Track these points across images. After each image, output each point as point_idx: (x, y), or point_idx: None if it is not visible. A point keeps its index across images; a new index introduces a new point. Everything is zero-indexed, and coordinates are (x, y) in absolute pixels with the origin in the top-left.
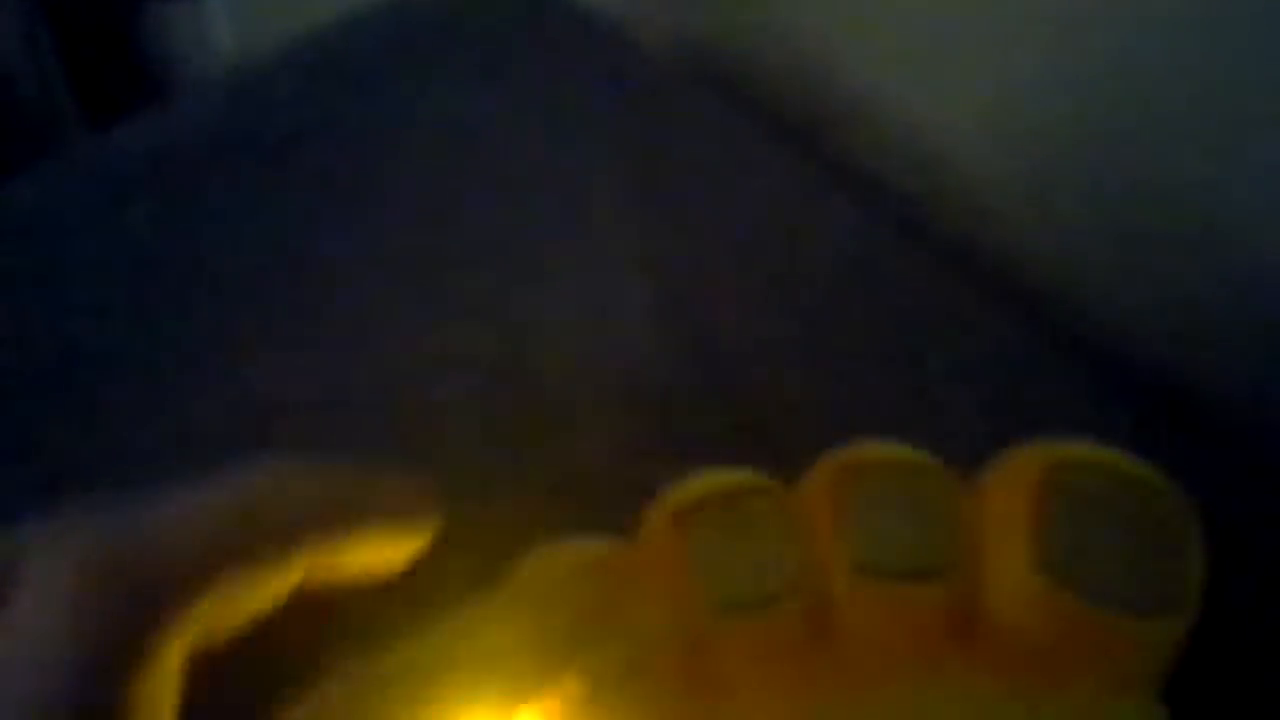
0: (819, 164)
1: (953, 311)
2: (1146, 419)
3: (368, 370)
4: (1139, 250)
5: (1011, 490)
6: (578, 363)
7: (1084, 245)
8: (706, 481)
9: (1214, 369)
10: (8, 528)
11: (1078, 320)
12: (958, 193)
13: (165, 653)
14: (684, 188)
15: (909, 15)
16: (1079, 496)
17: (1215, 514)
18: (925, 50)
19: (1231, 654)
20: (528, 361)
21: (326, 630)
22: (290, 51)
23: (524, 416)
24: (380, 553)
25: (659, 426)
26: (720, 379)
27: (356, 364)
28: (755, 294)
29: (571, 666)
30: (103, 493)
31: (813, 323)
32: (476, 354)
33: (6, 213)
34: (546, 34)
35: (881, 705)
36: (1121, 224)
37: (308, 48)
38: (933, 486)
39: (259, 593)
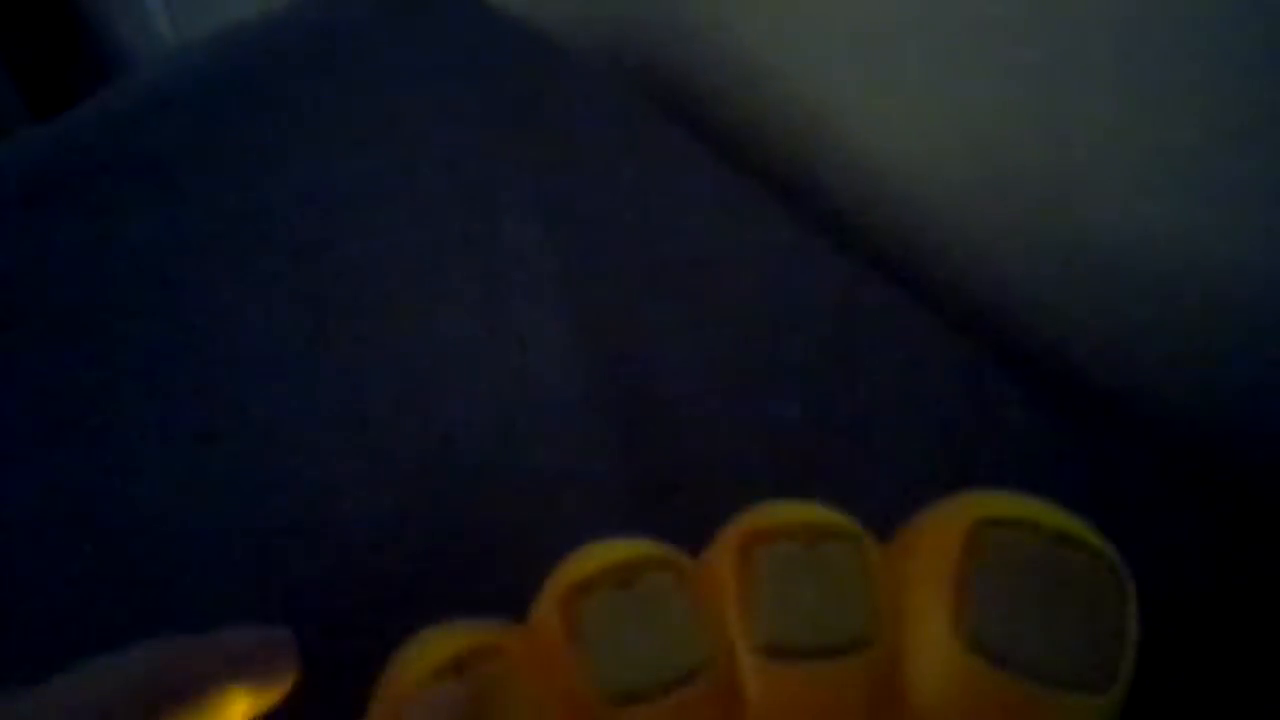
0: (752, 178)
1: (898, 339)
2: (1105, 450)
3: (247, 408)
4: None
5: (933, 550)
6: (478, 400)
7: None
8: (600, 554)
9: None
10: None
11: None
12: (894, 200)
13: None
14: (604, 203)
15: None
16: (1005, 556)
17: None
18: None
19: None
20: (420, 400)
21: None
22: (188, 62)
23: (415, 477)
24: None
25: (562, 484)
26: (634, 426)
27: (233, 398)
28: (677, 325)
29: None
30: None
31: (742, 360)
32: (365, 399)
33: None
34: (466, 40)
35: None
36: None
37: (209, 57)
38: (846, 551)
39: None
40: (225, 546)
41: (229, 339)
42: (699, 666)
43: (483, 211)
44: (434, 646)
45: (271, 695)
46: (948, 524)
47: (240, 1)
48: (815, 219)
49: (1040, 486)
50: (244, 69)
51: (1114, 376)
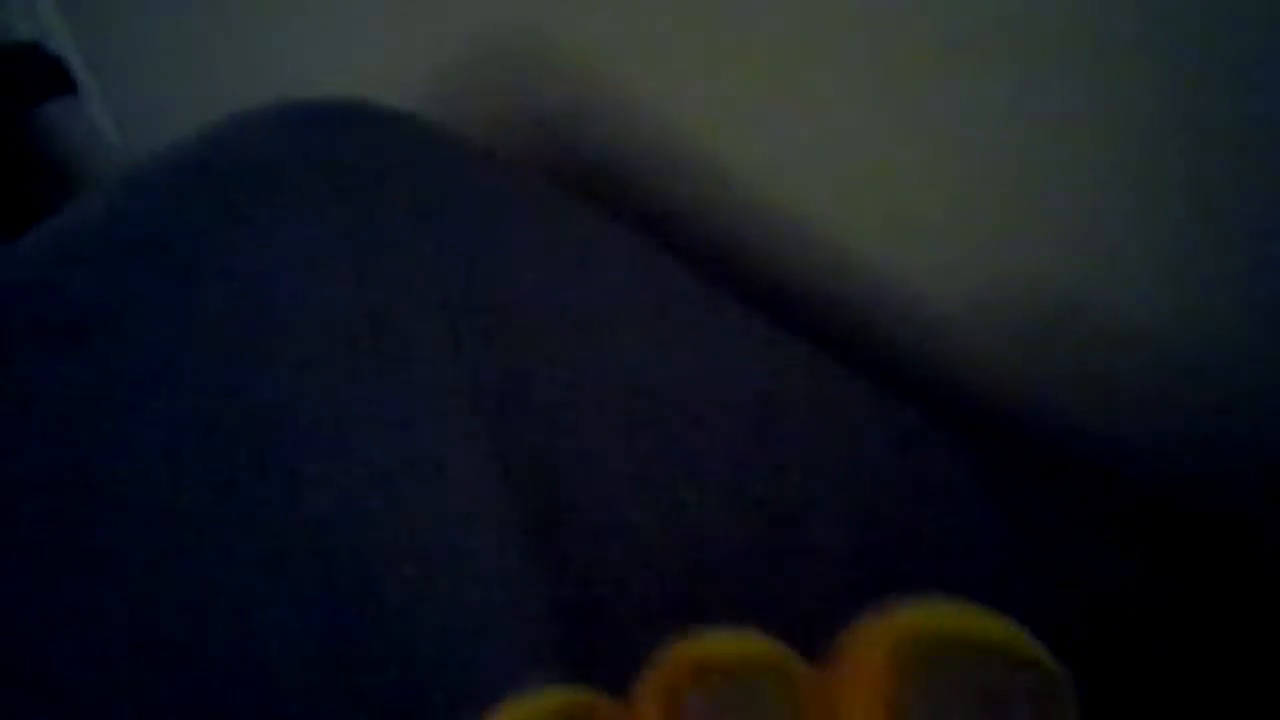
0: (689, 263)
1: (832, 420)
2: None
3: (158, 562)
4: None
5: (863, 676)
6: (398, 545)
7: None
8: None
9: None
10: None
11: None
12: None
13: None
14: (515, 311)
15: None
16: (941, 679)
17: None
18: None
19: None
20: (331, 543)
21: None
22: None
23: (335, 621)
24: None
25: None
26: (556, 542)
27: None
28: (604, 436)
29: None
30: None
31: (666, 458)
32: (282, 550)
33: None
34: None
35: None
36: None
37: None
38: (777, 687)
39: None
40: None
41: (134, 497)
42: None
43: (390, 333)
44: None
45: None
46: (876, 644)
47: (183, 110)
48: (754, 295)
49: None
50: (148, 217)
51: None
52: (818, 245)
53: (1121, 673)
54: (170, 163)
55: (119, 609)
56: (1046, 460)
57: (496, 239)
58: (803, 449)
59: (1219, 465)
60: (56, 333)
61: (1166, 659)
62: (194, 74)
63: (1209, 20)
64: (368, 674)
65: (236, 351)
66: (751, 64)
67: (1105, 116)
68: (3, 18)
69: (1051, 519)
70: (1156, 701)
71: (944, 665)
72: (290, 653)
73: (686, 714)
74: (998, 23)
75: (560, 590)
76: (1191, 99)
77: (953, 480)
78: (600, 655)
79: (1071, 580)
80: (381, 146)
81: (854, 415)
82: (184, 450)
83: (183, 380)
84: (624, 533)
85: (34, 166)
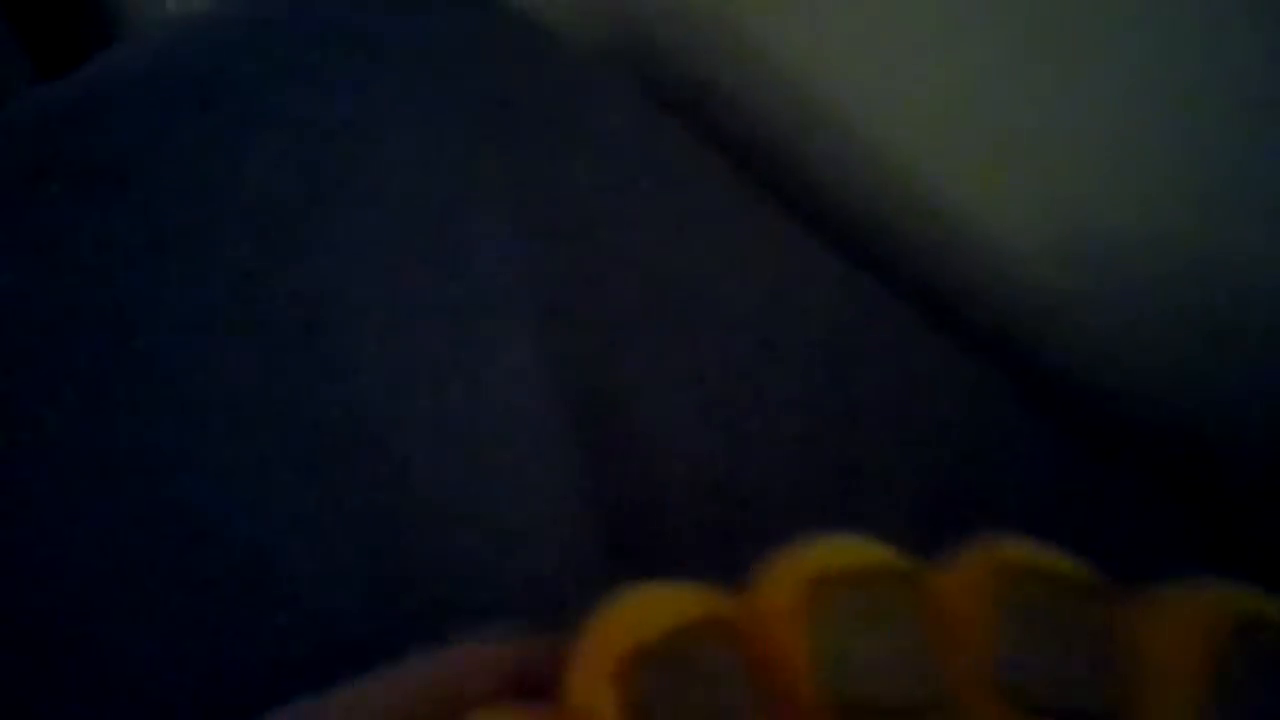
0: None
1: (902, 362)
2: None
3: (189, 448)
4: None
5: (1188, 638)
6: (442, 438)
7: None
8: (844, 550)
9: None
10: None
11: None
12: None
13: None
14: (591, 208)
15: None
16: (1260, 660)
17: None
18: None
19: None
20: (375, 430)
21: None
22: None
23: (370, 514)
24: None
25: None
26: (610, 455)
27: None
28: (662, 347)
29: None
30: None
31: (730, 387)
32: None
33: None
34: (454, 33)
35: None
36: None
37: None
38: (1098, 611)
39: None
40: (164, 592)
41: (171, 371)
42: (937, 697)
43: (456, 221)
44: (647, 612)
45: None
46: (1199, 611)
47: None
48: (823, 223)
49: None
50: (195, 66)
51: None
52: (893, 176)
53: None
54: (221, 15)
55: (139, 470)
56: (1124, 426)
57: (577, 134)
58: (880, 400)
59: None
60: (96, 177)
61: None
62: None
63: None
64: (400, 577)
65: (285, 218)
66: None
67: None
68: None
69: (1127, 488)
70: None
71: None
72: (319, 540)
73: (1000, 612)
74: None
75: (610, 502)
76: None
77: (1023, 442)
78: (644, 567)
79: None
80: (459, 19)
81: (929, 366)
82: (223, 320)
83: (223, 244)
84: (685, 455)
85: (84, 15)
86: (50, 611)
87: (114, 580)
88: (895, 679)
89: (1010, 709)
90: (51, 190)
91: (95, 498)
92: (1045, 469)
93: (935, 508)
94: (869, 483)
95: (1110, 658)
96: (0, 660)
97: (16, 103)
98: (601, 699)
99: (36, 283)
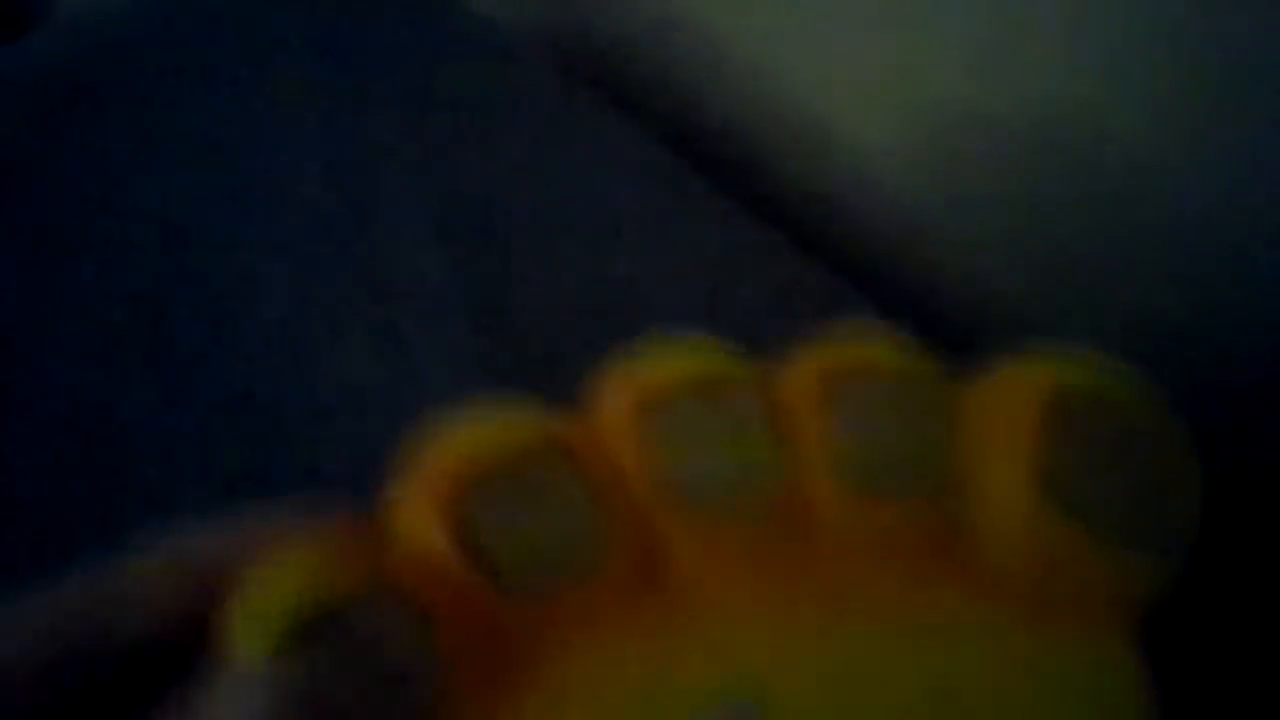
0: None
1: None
2: None
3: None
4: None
5: (1013, 406)
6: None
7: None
8: (674, 360)
9: None
10: None
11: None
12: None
13: None
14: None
15: None
16: (1081, 420)
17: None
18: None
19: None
20: None
21: None
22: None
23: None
24: None
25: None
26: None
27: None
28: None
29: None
30: None
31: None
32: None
33: None
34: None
35: (854, 625)
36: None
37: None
38: (927, 392)
39: None
40: None
41: None
42: (774, 480)
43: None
44: (478, 437)
45: None
46: (1026, 382)
47: None
48: (753, 195)
49: None
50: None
51: None
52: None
53: None
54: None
55: None
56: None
57: (497, 131)
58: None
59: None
60: None
61: None
62: None
63: None
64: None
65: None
66: None
67: None
68: None
69: None
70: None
71: (1085, 411)
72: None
73: (836, 405)
74: None
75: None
76: None
77: None
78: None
79: None
80: (379, 10)
81: (808, 298)
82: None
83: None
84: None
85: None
86: None
87: None
88: (735, 482)
89: (853, 497)
90: None
91: None
92: None
93: None
94: None
95: (940, 439)
96: None
97: None
98: (428, 526)
99: None
